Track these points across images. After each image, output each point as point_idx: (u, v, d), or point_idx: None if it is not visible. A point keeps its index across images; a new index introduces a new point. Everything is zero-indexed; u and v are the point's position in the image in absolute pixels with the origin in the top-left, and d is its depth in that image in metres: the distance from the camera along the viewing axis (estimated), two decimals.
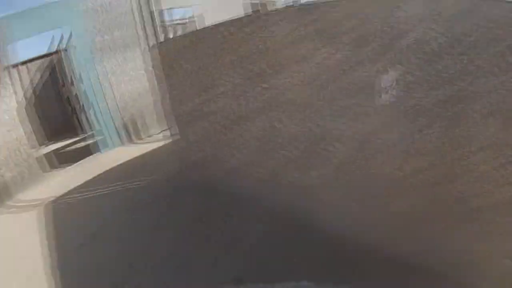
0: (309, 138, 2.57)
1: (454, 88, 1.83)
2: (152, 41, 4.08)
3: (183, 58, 3.61)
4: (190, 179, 4.24)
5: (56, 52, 10.31)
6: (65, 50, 8.68)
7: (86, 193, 4.96)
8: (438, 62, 1.85)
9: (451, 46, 1.83)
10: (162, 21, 7.56)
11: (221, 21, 3.07)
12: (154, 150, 6.29)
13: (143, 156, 5.97)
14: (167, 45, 4.03)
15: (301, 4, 2.47)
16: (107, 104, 6.85)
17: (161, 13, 7.51)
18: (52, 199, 5.10)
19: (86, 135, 9.13)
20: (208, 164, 3.87)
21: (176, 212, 3.65)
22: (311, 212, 2.79)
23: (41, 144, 6.86)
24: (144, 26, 4.13)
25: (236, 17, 2.93)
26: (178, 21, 9.98)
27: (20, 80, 10.09)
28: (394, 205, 2.20)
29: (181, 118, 4.06)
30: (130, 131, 7.14)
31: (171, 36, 5.81)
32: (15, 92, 6.19)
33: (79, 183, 5.42)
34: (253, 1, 9.33)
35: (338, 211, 2.58)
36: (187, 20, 9.59)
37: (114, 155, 6.44)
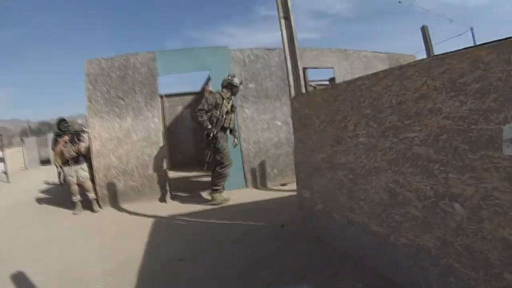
0: (429, 197, 2.35)
1: None
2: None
3: (321, 110, 3.71)
4: (305, 227, 4.20)
5: (200, 92, 11.47)
6: (210, 90, 9.50)
7: (199, 219, 5.20)
8: None
9: None
10: (306, 78, 7.93)
11: (359, 77, 3.11)
12: (276, 196, 6.41)
13: (270, 201, 6.04)
14: (305, 97, 4.13)
15: (432, 57, 2.44)
16: (241, 146, 7.23)
17: (305, 70, 7.93)
18: (161, 214, 5.51)
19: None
20: (326, 216, 3.77)
21: (280, 256, 3.56)
22: (415, 275, 2.55)
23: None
24: (289, 80, 4.31)
25: (373, 73, 2.96)
26: (320, 81, 10.43)
27: (163, 111, 11.31)
28: (508, 279, 1.89)
29: (309, 169, 4.08)
30: (257, 178, 7.42)
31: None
32: (158, 115, 6.94)
33: (196, 209, 5.78)
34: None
35: (443, 277, 2.30)
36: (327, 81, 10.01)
37: (238, 195, 6.62)
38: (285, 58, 4.33)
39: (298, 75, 4.32)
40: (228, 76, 6.26)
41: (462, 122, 2.05)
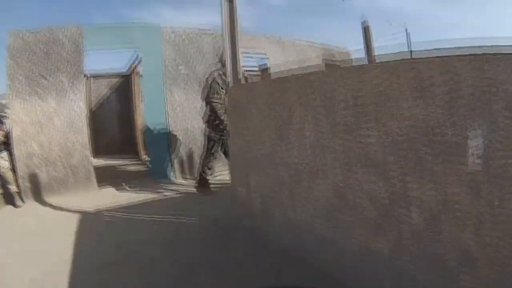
0: (384, 200, 2.30)
1: None
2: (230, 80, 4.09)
3: (262, 101, 3.53)
4: (241, 224, 4.07)
5: (127, 75, 10.91)
6: (137, 76, 9.04)
7: (127, 214, 4.89)
8: None
9: None
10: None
11: (311, 72, 3.00)
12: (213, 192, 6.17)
13: (196, 193, 5.84)
14: (244, 87, 3.99)
15: (397, 54, 2.38)
16: (168, 134, 6.89)
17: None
18: (88, 209, 5.09)
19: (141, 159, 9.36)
20: (265, 213, 3.65)
21: (217, 257, 3.41)
22: (368, 279, 2.51)
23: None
24: (227, 67, 4.15)
25: (328, 62, 2.90)
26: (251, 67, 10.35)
27: (89, 94, 10.65)
28: (465, 280, 1.96)
29: (246, 163, 3.92)
30: (186, 168, 7.13)
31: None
32: (82, 97, 6.40)
33: (123, 204, 5.41)
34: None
35: (400, 281, 2.30)
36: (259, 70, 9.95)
37: (167, 186, 6.41)
38: (224, 44, 4.16)
39: (237, 63, 4.17)
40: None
41: (427, 128, 2.00)
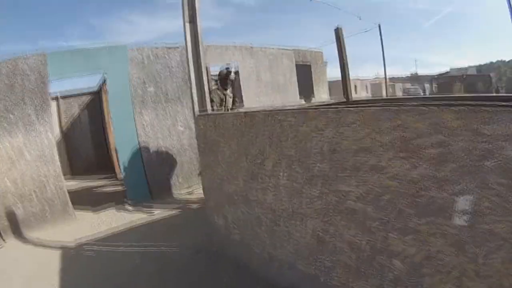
0: (364, 250, 2.26)
1: None
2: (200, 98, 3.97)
3: (231, 138, 3.44)
4: (222, 253, 3.96)
5: (97, 93, 10.70)
6: (106, 93, 8.84)
7: (108, 246, 4.74)
8: None
9: None
10: (209, 76, 7.74)
11: (280, 108, 2.94)
12: (185, 208, 6.11)
13: (178, 217, 5.72)
14: (212, 120, 3.81)
15: (382, 105, 2.22)
16: (141, 155, 6.73)
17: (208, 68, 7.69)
18: (69, 244, 4.92)
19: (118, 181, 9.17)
20: (246, 247, 3.55)
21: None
22: None
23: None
24: (192, 98, 4.05)
25: (301, 108, 2.81)
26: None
27: (59, 115, 10.44)
28: None
29: (220, 197, 3.82)
30: (162, 188, 6.97)
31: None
32: (51, 128, 6.16)
33: (102, 234, 5.27)
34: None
35: None
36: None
37: (144, 211, 6.20)
38: (189, 69, 4.06)
39: (204, 90, 4.04)
40: (226, 69, 5.91)
41: (411, 186, 1.94)
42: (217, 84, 5.92)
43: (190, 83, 3.99)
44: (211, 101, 5.46)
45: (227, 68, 5.97)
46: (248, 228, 3.47)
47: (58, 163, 6.06)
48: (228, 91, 5.95)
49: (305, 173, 2.63)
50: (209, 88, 4.11)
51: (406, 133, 1.92)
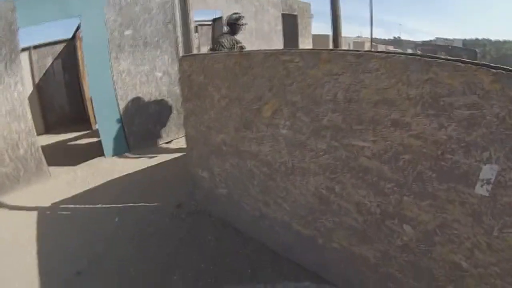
0: (374, 213, 2.13)
1: None
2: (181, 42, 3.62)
3: (222, 81, 3.13)
4: (206, 208, 3.79)
5: (71, 40, 10.04)
6: (81, 41, 8.27)
7: (86, 205, 4.49)
8: None
9: None
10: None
11: (285, 50, 2.60)
12: (164, 158, 5.86)
13: (156, 169, 5.48)
14: (199, 61, 3.43)
15: (412, 55, 1.92)
16: (117, 105, 6.35)
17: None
18: (45, 205, 4.63)
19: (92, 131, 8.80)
20: (233, 203, 3.36)
21: (187, 252, 3.21)
22: (349, 277, 2.42)
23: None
24: (174, 25, 3.65)
25: (312, 50, 2.49)
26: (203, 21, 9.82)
27: (31, 66, 9.81)
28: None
29: (206, 148, 3.57)
30: (140, 139, 6.65)
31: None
32: (21, 80, 5.65)
33: (78, 191, 4.98)
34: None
35: (382, 282, 2.24)
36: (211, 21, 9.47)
37: (122, 164, 5.93)
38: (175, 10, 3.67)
39: (189, 31, 3.72)
40: (236, 13, 5.52)
41: (436, 147, 1.78)
42: (227, 30, 5.55)
43: (175, 23, 3.59)
44: (222, 47, 5.19)
45: (236, 13, 5.56)
46: (238, 182, 3.26)
47: (31, 118, 5.59)
48: (238, 38, 5.57)
49: (312, 123, 2.40)
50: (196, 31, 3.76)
51: (438, 89, 1.73)
